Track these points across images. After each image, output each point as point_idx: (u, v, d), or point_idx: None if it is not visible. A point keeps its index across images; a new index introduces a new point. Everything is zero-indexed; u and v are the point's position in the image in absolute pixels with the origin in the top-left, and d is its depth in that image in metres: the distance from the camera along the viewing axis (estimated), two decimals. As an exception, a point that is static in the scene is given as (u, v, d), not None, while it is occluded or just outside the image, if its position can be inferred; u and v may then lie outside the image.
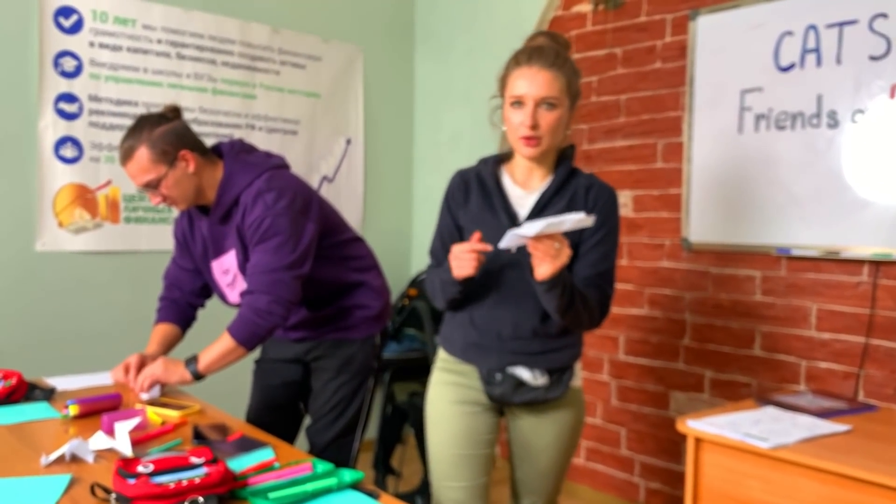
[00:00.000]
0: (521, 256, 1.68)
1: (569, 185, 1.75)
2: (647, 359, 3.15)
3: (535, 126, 1.66)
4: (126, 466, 1.29)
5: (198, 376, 2.02)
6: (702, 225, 2.96)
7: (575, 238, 1.70)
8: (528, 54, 1.69)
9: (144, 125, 2.00)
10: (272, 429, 2.25)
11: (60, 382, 2.17)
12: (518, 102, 1.68)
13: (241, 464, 1.44)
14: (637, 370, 3.18)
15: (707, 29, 2.92)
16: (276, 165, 2.16)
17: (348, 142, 3.92)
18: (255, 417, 2.40)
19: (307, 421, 2.38)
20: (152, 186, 2.02)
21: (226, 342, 1.99)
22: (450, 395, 1.86)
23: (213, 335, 2.04)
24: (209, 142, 2.16)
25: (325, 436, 2.31)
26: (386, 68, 4.07)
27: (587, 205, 1.73)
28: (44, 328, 3.01)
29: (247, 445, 1.58)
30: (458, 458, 1.83)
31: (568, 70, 1.69)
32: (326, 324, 2.27)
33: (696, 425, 1.95)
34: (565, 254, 1.56)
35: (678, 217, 3.03)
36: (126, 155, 2.00)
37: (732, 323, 2.89)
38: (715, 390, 2.94)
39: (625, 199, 3.21)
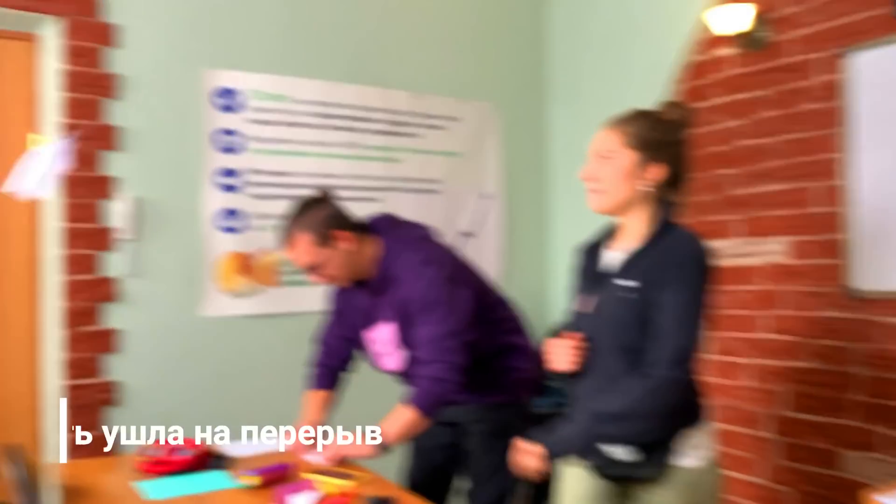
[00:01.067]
0: (600, 324, 1.69)
1: (655, 246, 1.69)
2: (815, 415, 2.95)
3: (590, 178, 1.73)
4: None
5: (384, 448, 2.07)
6: (870, 272, 2.77)
7: (642, 307, 1.65)
8: (611, 119, 1.79)
9: (303, 210, 2.12)
10: (430, 491, 2.28)
11: (234, 449, 2.27)
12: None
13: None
14: (805, 427, 2.99)
15: (863, 66, 2.77)
16: (425, 237, 2.23)
17: (486, 197, 3.97)
18: (411, 480, 2.43)
19: (461, 483, 2.39)
20: (314, 269, 2.12)
21: (408, 413, 2.05)
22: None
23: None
24: (356, 206, 2.25)
25: (483, 498, 2.31)
26: (520, 122, 4.10)
27: (663, 267, 1.65)
28: (213, 390, 3.18)
29: (417, 521, 1.59)
30: None
31: (637, 124, 1.73)
32: (479, 387, 2.29)
33: (888, 502, 1.80)
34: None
35: (843, 264, 2.85)
36: (287, 241, 2.12)
37: (911, 377, 2.67)
38: (892, 449, 2.72)
39: (781, 245, 3.06)
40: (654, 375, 1.60)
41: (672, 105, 1.84)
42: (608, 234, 1.86)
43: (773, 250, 3.09)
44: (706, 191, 3.35)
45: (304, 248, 2.10)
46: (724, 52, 3.26)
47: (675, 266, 1.63)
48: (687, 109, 1.83)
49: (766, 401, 3.13)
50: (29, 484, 1.77)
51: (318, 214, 2.12)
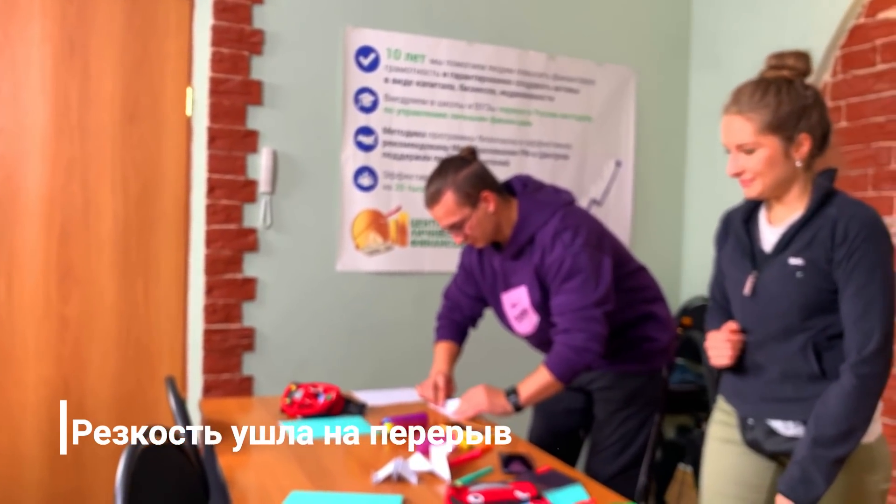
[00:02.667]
0: (766, 289, 1.61)
1: (817, 218, 1.57)
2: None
3: (738, 173, 1.62)
4: (458, 495, 1.35)
5: (518, 408, 2.09)
6: None
7: (828, 284, 1.53)
8: (731, 95, 1.64)
9: (448, 169, 2.12)
10: (553, 454, 2.27)
11: (369, 397, 2.33)
12: (727, 149, 1.65)
13: (557, 500, 1.45)
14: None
15: None
16: (567, 202, 2.19)
17: (618, 164, 3.87)
18: (536, 441, 2.43)
19: (587, 448, 2.37)
20: (457, 227, 2.13)
21: (544, 376, 2.06)
22: (719, 432, 1.80)
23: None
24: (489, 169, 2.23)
25: (609, 468, 2.28)
26: (659, 89, 3.96)
27: (834, 242, 1.53)
28: (343, 342, 3.28)
29: (557, 480, 1.59)
30: (722, 497, 1.76)
31: (767, 104, 1.57)
32: (613, 355, 2.25)
33: None
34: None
35: None
36: (433, 198, 2.12)
37: None
38: None
39: (945, 225, 2.83)
40: (865, 375, 1.50)
41: (789, 57, 1.63)
42: (758, 204, 1.74)
43: (935, 230, 2.87)
44: (863, 164, 3.14)
45: (450, 206, 2.11)
46: (892, 14, 3.02)
47: (855, 240, 1.51)
48: (808, 57, 1.64)
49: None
50: (185, 415, 1.88)
51: (465, 173, 2.11)
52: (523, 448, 1.89)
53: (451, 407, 2.20)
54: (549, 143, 3.68)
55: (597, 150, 3.81)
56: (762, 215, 1.71)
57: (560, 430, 2.44)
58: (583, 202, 3.76)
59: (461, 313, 2.47)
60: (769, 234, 1.67)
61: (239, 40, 3.08)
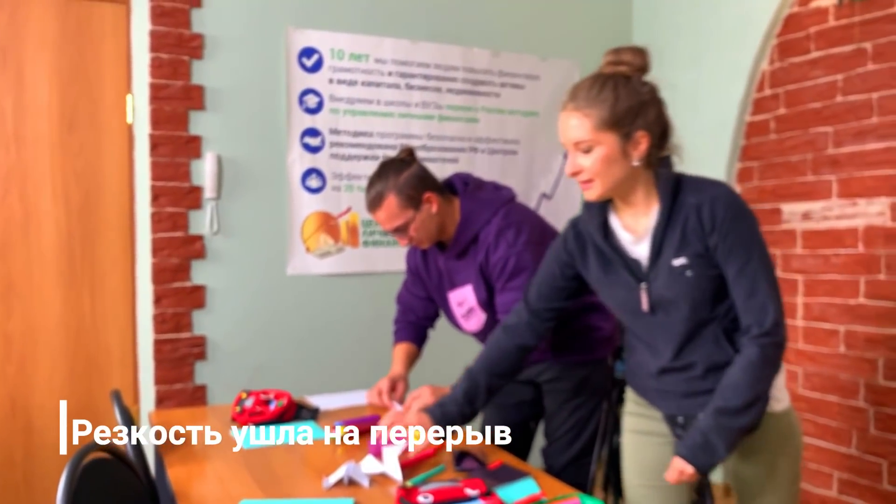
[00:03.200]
0: (662, 297, 1.58)
1: (677, 212, 1.55)
2: (913, 384, 2.83)
3: (576, 172, 1.55)
4: (407, 496, 1.35)
5: None
6: (980, 235, 2.62)
7: (716, 270, 1.54)
8: (568, 93, 1.57)
9: (388, 171, 2.10)
10: (506, 447, 2.29)
11: (321, 401, 2.32)
12: (566, 149, 1.58)
13: (508, 495, 1.46)
14: (900, 396, 2.87)
15: (980, 13, 2.59)
16: (509, 199, 2.20)
17: (566, 157, 3.89)
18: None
19: (539, 441, 2.39)
20: (401, 230, 2.12)
21: None
22: (638, 425, 1.80)
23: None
24: (437, 167, 2.24)
25: (562, 458, 2.31)
26: (603, 81, 4.00)
27: (704, 229, 1.52)
28: (296, 347, 3.26)
29: (508, 475, 1.59)
30: (647, 489, 1.77)
31: (604, 100, 1.51)
32: (558, 346, 2.27)
33: None
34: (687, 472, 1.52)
35: (949, 226, 2.70)
36: (375, 203, 2.10)
37: None
38: None
39: (881, 206, 2.92)
40: (767, 345, 1.52)
41: (626, 53, 1.59)
42: (604, 214, 1.66)
43: (872, 212, 2.95)
44: (801, 149, 3.21)
45: (392, 209, 2.09)
46: (823, 2, 3.10)
47: (724, 221, 1.51)
48: (645, 53, 1.59)
49: (860, 369, 3.02)
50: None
51: (405, 175, 2.09)
52: (475, 443, 1.89)
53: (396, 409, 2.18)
54: (497, 139, 3.70)
55: (544, 145, 3.83)
56: (616, 225, 1.66)
57: (512, 422, 2.45)
58: (533, 196, 3.79)
59: (415, 315, 2.47)
60: (634, 243, 1.62)
61: (178, 45, 3.03)
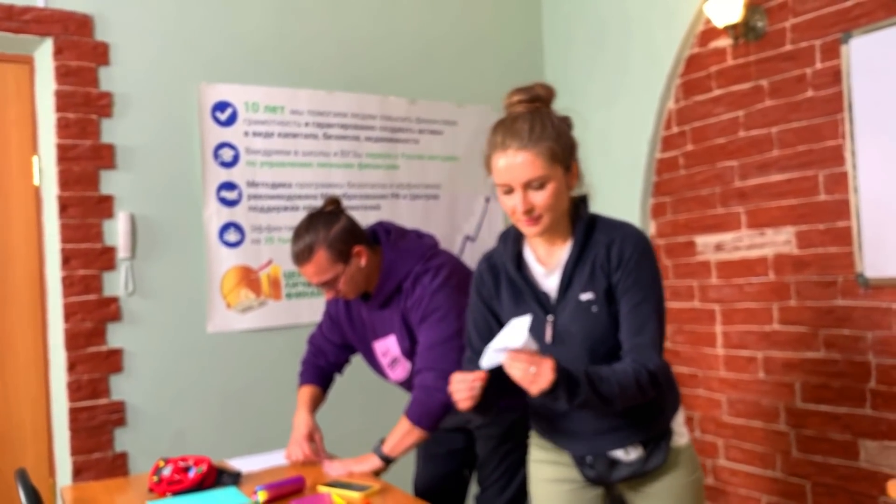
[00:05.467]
0: (566, 330, 1.61)
1: (589, 248, 1.61)
2: (829, 405, 2.92)
3: (529, 210, 1.56)
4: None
5: (387, 461, 2.06)
6: (878, 258, 2.74)
7: (614, 304, 1.59)
8: (503, 135, 1.58)
9: (318, 224, 2.06)
10: (440, 498, 2.27)
11: (243, 464, 2.25)
12: (508, 189, 1.58)
13: (432, 552, 1.43)
14: (819, 418, 2.96)
15: (862, 50, 2.74)
16: (430, 246, 2.21)
17: (487, 200, 3.95)
18: (422, 487, 2.42)
19: (474, 488, 2.37)
20: (329, 284, 2.09)
21: (403, 425, 2.04)
22: (547, 473, 1.81)
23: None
24: (360, 214, 2.23)
25: (496, 503, 2.29)
26: (520, 124, 4.08)
27: (611, 265, 1.58)
28: (220, 407, 3.16)
29: (433, 530, 1.57)
30: None
31: (548, 136, 1.56)
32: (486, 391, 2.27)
33: (911, 489, 1.77)
34: (544, 372, 1.43)
35: (850, 251, 2.83)
36: (303, 257, 2.06)
37: (926, 363, 2.64)
38: (911, 437, 2.69)
39: (787, 235, 3.04)
40: (642, 366, 1.54)
41: (539, 88, 1.66)
42: (517, 248, 1.71)
43: (779, 241, 3.07)
44: (710, 183, 3.33)
45: (322, 264, 2.05)
46: (721, 43, 3.25)
47: (630, 260, 1.57)
48: (550, 86, 1.67)
49: (779, 393, 3.10)
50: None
51: (335, 229, 2.06)
52: (400, 499, 1.87)
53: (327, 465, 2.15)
54: (418, 185, 3.72)
55: (466, 188, 3.87)
56: (530, 258, 1.69)
57: (444, 472, 2.43)
58: (457, 239, 3.82)
59: (325, 359, 2.44)
60: (546, 276, 1.66)
61: (86, 104, 2.97)
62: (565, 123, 1.63)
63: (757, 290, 3.16)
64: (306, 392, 2.39)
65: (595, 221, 1.64)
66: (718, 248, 3.31)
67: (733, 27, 3.10)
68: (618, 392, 1.52)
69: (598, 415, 1.65)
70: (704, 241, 3.36)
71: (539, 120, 1.58)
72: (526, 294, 1.66)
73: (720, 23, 3.09)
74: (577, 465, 1.73)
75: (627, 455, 1.68)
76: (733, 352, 3.27)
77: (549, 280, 1.65)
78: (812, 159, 2.94)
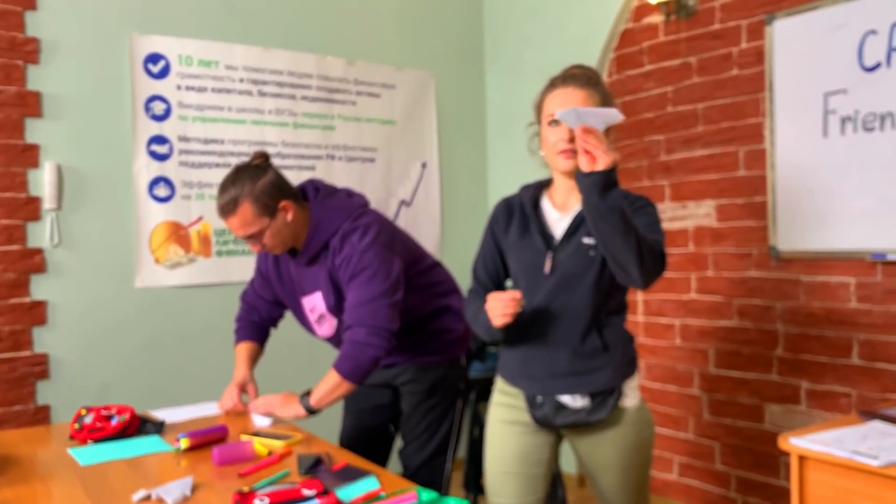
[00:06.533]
0: (563, 266, 1.74)
1: None
2: (740, 371, 3.08)
3: (572, 139, 1.69)
4: (243, 500, 1.35)
5: (311, 411, 2.09)
6: (790, 232, 2.89)
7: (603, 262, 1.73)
8: (563, 78, 1.80)
9: (244, 178, 2.07)
10: (365, 452, 2.32)
11: (168, 415, 2.27)
12: (556, 121, 1.73)
13: (348, 494, 1.49)
14: (729, 383, 3.12)
15: (785, 32, 2.86)
16: (359, 205, 2.23)
17: (424, 165, 3.98)
18: (347, 441, 2.46)
19: (398, 443, 2.43)
20: (255, 237, 2.10)
21: (332, 377, 2.07)
22: (502, 415, 1.91)
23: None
24: (293, 174, 2.23)
25: (417, 458, 2.36)
26: (458, 91, 4.12)
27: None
28: (146, 362, 3.15)
29: (351, 475, 1.62)
30: (507, 475, 1.88)
31: (602, 90, 1.78)
32: (413, 349, 2.32)
33: (799, 443, 1.90)
34: (613, 153, 1.54)
35: (764, 225, 2.97)
36: (228, 209, 2.06)
37: (827, 332, 2.80)
38: (812, 401, 2.86)
39: (707, 209, 3.16)
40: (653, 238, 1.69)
41: (587, 68, 1.86)
42: (540, 191, 1.88)
43: (700, 213, 3.20)
44: (638, 156, 3.43)
45: (247, 217, 2.06)
46: (654, 19, 3.33)
47: (636, 203, 1.74)
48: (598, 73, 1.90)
49: (694, 359, 3.25)
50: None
51: (261, 183, 2.06)
52: (322, 448, 1.91)
53: (251, 406, 2.20)
54: (354, 147, 3.73)
55: (402, 153, 3.90)
56: (547, 203, 1.85)
57: (370, 427, 2.48)
58: (392, 203, 3.85)
59: (259, 315, 2.45)
60: (559, 220, 1.81)
61: (11, 49, 2.88)
62: (609, 95, 1.82)
63: (677, 261, 3.29)
64: (243, 348, 2.41)
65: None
66: (643, 219, 3.42)
67: (665, 4, 3.19)
68: (622, 226, 1.57)
69: (556, 358, 1.77)
70: (631, 211, 3.47)
71: (594, 77, 1.80)
72: (533, 229, 1.81)
73: (654, -1, 3.18)
74: (528, 406, 1.83)
75: (574, 402, 1.78)
76: (653, 319, 3.40)
77: (560, 224, 1.80)
78: (734, 136, 3.06)
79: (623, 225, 1.57)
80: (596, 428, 1.82)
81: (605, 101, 1.76)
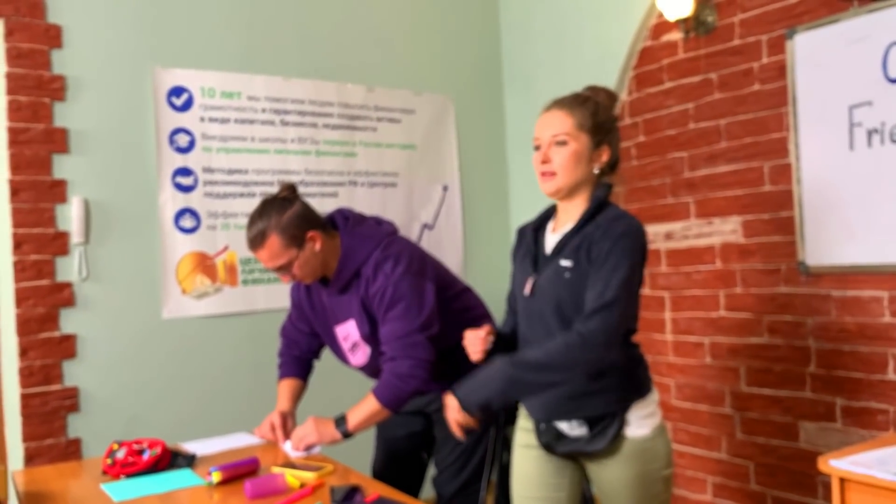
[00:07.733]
0: (538, 292, 1.74)
1: (589, 225, 1.72)
2: (772, 389, 3.03)
3: (546, 161, 1.74)
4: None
5: (347, 435, 2.10)
6: (819, 247, 2.85)
7: (579, 271, 1.70)
8: (554, 100, 1.81)
9: (271, 210, 2.09)
10: (398, 480, 2.31)
11: (199, 447, 2.27)
12: (537, 146, 1.77)
13: (383, 527, 1.48)
14: (762, 401, 3.07)
15: (806, 46, 2.84)
16: (389, 233, 2.24)
17: (445, 188, 3.99)
18: (380, 469, 2.45)
19: (431, 471, 2.42)
20: (284, 268, 2.11)
21: (372, 404, 2.08)
22: (522, 439, 1.91)
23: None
24: (316, 201, 2.25)
25: (451, 486, 2.34)
26: (477, 114, 4.13)
27: (595, 240, 1.68)
28: (175, 392, 3.16)
29: (384, 507, 1.61)
30: (529, 500, 1.87)
31: (587, 108, 1.76)
32: (446, 375, 2.30)
33: (840, 465, 1.86)
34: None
35: (792, 240, 2.93)
36: (257, 241, 2.09)
37: (861, 347, 2.75)
38: (848, 419, 2.80)
39: (734, 225, 3.13)
40: (575, 331, 1.63)
41: (601, 90, 1.84)
42: (549, 216, 1.89)
43: (726, 230, 3.17)
44: (660, 174, 3.41)
45: (276, 249, 2.08)
46: (673, 37, 3.32)
47: (612, 239, 1.66)
48: (615, 94, 1.87)
49: (724, 377, 3.21)
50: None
51: (287, 215, 2.09)
52: (354, 479, 1.90)
53: (288, 446, 2.19)
54: (376, 173, 3.74)
55: (423, 177, 3.91)
56: (549, 225, 1.86)
57: (402, 454, 2.47)
58: (414, 227, 3.85)
59: (299, 349, 2.45)
60: (551, 240, 1.81)
61: (38, 87, 2.93)
62: (612, 116, 1.80)
63: (704, 278, 3.26)
64: (284, 386, 2.41)
65: (606, 207, 1.75)
66: (668, 237, 3.40)
67: (684, 21, 3.18)
68: (543, 358, 1.64)
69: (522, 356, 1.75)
70: (655, 230, 3.45)
71: (587, 99, 1.78)
72: (528, 254, 1.83)
73: (672, 16, 3.17)
74: (535, 431, 1.83)
75: (571, 429, 1.75)
76: (681, 337, 3.37)
77: (551, 242, 1.81)
78: (758, 151, 3.04)
79: (535, 386, 1.68)
80: (597, 457, 1.76)
81: (588, 119, 1.75)
